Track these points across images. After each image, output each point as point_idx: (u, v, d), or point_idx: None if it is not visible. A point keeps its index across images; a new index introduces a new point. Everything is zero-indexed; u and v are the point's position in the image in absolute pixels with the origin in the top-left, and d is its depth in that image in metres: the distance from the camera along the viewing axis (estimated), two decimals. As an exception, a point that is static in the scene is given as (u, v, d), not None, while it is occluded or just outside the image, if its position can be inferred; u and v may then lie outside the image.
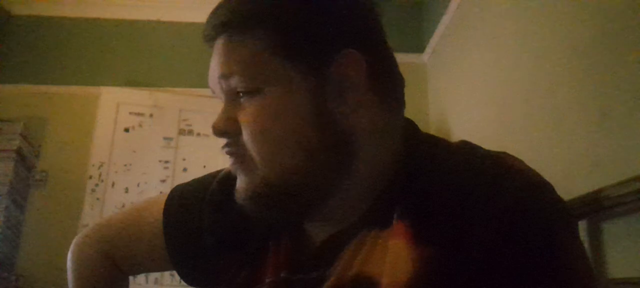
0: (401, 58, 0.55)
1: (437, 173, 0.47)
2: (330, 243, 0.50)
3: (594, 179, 1.12)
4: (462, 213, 0.42)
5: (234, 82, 0.49)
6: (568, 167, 1.28)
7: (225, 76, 0.49)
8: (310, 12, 0.48)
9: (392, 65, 0.54)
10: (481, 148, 0.50)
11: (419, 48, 2.98)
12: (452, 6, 2.43)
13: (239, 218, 0.56)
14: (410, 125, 0.55)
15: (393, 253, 0.43)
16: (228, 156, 0.51)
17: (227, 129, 0.49)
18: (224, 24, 0.50)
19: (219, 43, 0.50)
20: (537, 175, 0.45)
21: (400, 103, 0.54)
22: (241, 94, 0.49)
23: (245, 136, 0.48)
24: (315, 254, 0.51)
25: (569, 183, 1.24)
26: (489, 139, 1.87)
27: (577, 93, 1.27)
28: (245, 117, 0.48)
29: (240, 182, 0.50)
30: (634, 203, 0.97)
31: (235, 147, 0.49)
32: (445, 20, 2.55)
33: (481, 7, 2.10)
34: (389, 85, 0.53)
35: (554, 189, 0.45)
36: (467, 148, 0.50)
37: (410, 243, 0.43)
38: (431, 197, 0.45)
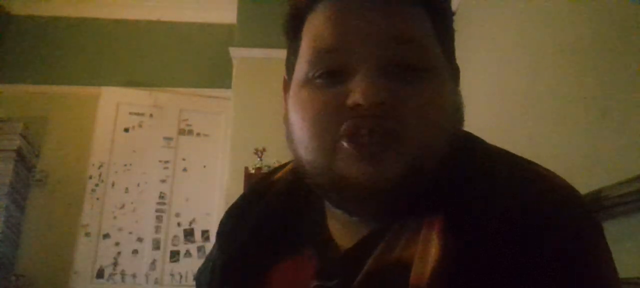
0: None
1: (474, 171, 0.46)
2: (362, 245, 0.47)
3: (594, 179, 1.12)
4: (499, 215, 0.41)
5: (411, 51, 0.45)
6: (568, 167, 1.27)
7: (403, 41, 0.44)
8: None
9: None
10: (517, 155, 0.50)
11: (419, 48, 2.99)
12: (452, 6, 2.43)
13: (258, 229, 0.53)
14: None
15: (424, 242, 0.42)
16: (357, 131, 0.43)
17: (387, 101, 0.43)
18: None
19: (391, 2, 0.45)
20: (574, 187, 0.45)
21: None
22: (405, 68, 0.44)
23: (414, 113, 0.43)
24: (348, 256, 0.48)
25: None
26: (488, 139, 1.87)
27: (577, 93, 1.27)
28: (419, 93, 0.44)
29: (384, 161, 0.43)
30: (634, 203, 0.96)
31: (383, 122, 0.43)
32: (445, 20, 2.55)
33: (481, 8, 2.10)
34: None
35: None
36: (504, 151, 0.50)
37: (440, 234, 0.41)
38: (468, 194, 0.44)
